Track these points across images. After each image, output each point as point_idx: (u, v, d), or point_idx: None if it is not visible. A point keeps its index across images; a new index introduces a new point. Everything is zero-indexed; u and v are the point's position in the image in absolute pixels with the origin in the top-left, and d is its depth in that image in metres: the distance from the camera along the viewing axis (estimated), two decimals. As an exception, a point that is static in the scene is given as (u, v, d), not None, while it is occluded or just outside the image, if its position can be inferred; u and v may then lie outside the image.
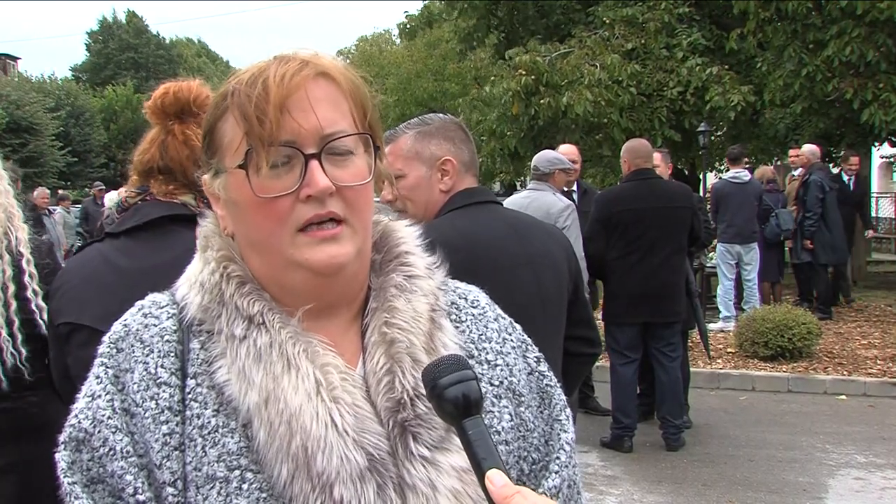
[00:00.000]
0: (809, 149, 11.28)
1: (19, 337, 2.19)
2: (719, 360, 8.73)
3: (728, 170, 10.48)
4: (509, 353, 1.19)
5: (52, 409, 2.37)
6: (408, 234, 1.20)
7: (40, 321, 2.21)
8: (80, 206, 17.67)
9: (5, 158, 2.60)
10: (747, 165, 11.15)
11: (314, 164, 1.02)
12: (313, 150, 1.02)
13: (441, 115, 2.56)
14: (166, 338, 1.06)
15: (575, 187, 7.22)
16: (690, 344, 7.78)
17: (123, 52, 50.69)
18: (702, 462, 6.14)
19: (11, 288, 2.20)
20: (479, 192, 2.49)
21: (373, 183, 1.08)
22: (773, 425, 7.01)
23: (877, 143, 14.48)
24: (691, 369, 7.31)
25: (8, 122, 30.62)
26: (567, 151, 7.07)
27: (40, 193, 14.22)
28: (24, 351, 2.20)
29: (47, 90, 38.29)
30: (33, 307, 2.20)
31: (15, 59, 49.19)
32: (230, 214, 1.09)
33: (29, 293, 2.21)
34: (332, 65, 1.07)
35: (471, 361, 1.14)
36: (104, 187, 17.04)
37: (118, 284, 1.91)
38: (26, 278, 2.22)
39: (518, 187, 19.07)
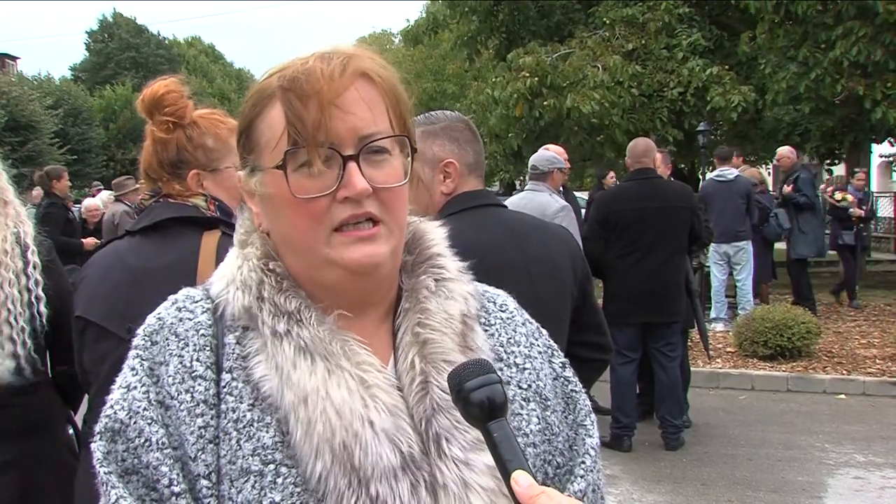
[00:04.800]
0: (788, 150, 11.40)
1: (27, 329, 2.23)
2: (719, 360, 8.74)
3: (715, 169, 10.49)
4: (536, 358, 1.19)
5: (51, 408, 2.39)
6: (439, 236, 1.20)
7: (39, 312, 2.25)
8: (79, 205, 17.60)
9: (4, 158, 2.65)
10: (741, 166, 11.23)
11: (352, 165, 1.02)
12: (351, 151, 1.02)
13: (448, 112, 2.51)
14: (201, 332, 1.06)
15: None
16: (690, 343, 7.79)
17: (123, 52, 50.65)
18: (701, 461, 6.15)
19: (24, 279, 2.24)
20: (479, 196, 2.42)
21: (408, 184, 1.09)
22: (772, 424, 7.02)
23: (875, 140, 14.48)
24: (691, 368, 7.31)
25: (7, 120, 30.61)
26: (559, 151, 7.07)
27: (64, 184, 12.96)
28: (29, 342, 2.23)
29: (45, 90, 38.26)
30: (33, 298, 2.25)
31: (14, 58, 49.18)
32: (265, 212, 1.09)
33: (31, 283, 2.25)
34: (373, 64, 1.07)
35: (500, 364, 1.15)
36: (103, 187, 16.99)
37: (125, 282, 1.95)
38: (30, 269, 2.26)
39: (518, 187, 19.06)
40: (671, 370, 6.28)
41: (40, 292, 2.27)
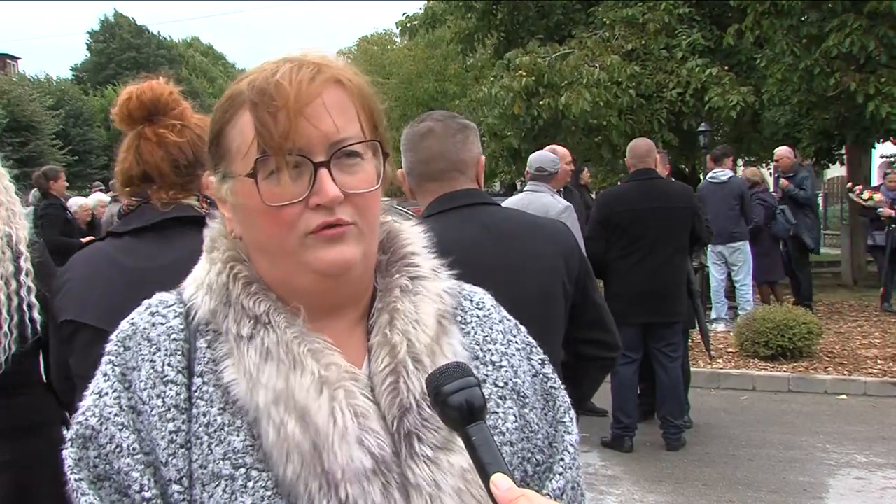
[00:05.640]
0: (786, 150, 11.38)
1: (14, 334, 2.21)
2: (720, 360, 8.74)
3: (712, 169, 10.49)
4: (514, 355, 1.19)
5: (46, 409, 2.38)
6: (414, 235, 1.19)
7: (31, 319, 2.23)
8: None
9: (5, 158, 2.63)
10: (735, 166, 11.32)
11: (323, 172, 1.01)
12: (322, 157, 1.02)
13: (428, 113, 2.52)
14: (173, 336, 1.06)
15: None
16: (691, 343, 7.78)
17: (124, 52, 50.68)
18: (702, 462, 6.14)
19: (13, 284, 2.22)
20: (458, 196, 2.39)
21: (381, 189, 1.08)
22: (773, 425, 7.01)
23: (880, 140, 14.45)
24: (692, 369, 7.31)
25: (8, 120, 30.63)
26: (564, 153, 7.10)
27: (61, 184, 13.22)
28: (14, 347, 2.22)
29: (46, 90, 38.28)
30: (25, 307, 2.23)
31: (15, 58, 49.21)
32: (237, 218, 1.09)
33: (23, 291, 2.23)
34: (343, 70, 1.07)
35: (476, 363, 1.14)
36: (104, 187, 16.97)
37: (122, 283, 1.90)
38: (23, 276, 2.24)
39: (518, 187, 19.06)
40: (672, 371, 6.28)
41: (33, 299, 2.25)
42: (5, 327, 2.21)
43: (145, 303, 1.13)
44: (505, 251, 2.32)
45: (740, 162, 16.64)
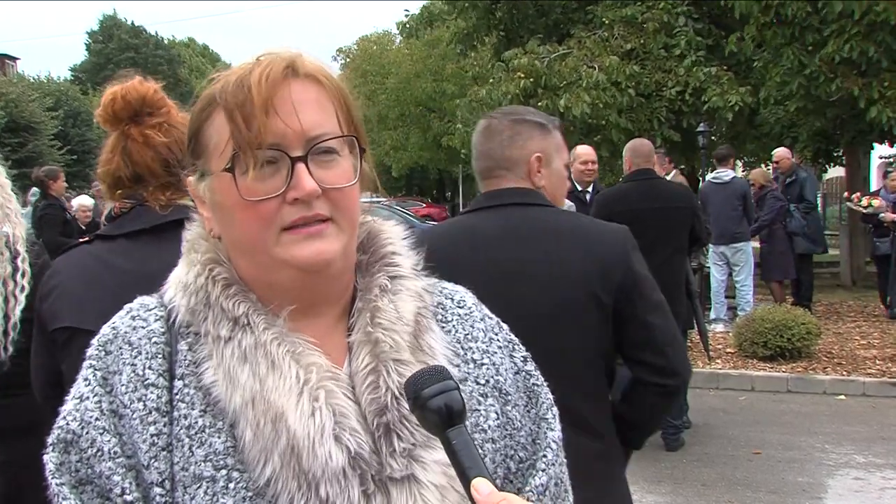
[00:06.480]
0: (785, 151, 11.37)
1: (11, 335, 2.20)
2: (719, 361, 8.74)
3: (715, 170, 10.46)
4: (495, 353, 1.19)
5: (42, 409, 2.37)
6: (395, 234, 1.20)
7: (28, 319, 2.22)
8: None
9: (4, 159, 2.61)
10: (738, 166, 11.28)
11: (300, 166, 1.02)
12: (299, 152, 1.02)
13: (495, 110, 2.51)
14: (154, 339, 1.07)
15: (590, 188, 7.27)
16: (690, 344, 7.78)
17: (123, 53, 50.72)
18: (701, 462, 6.15)
19: (10, 285, 2.21)
20: (498, 195, 2.31)
21: (359, 184, 1.09)
22: (772, 425, 7.01)
23: (875, 144, 14.46)
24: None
25: (7, 121, 30.60)
26: (585, 152, 7.16)
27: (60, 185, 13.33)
28: (11, 348, 2.21)
29: (45, 90, 38.26)
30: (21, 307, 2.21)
31: (14, 59, 49.20)
32: (216, 216, 1.09)
33: (18, 291, 2.21)
34: (316, 66, 1.08)
35: (457, 361, 1.15)
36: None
37: (120, 286, 1.85)
38: (19, 276, 2.22)
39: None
40: (671, 371, 6.26)
41: (25, 299, 2.24)
42: (3, 327, 2.20)
43: (126, 306, 1.13)
44: (518, 252, 2.23)
45: (739, 164, 16.67)
